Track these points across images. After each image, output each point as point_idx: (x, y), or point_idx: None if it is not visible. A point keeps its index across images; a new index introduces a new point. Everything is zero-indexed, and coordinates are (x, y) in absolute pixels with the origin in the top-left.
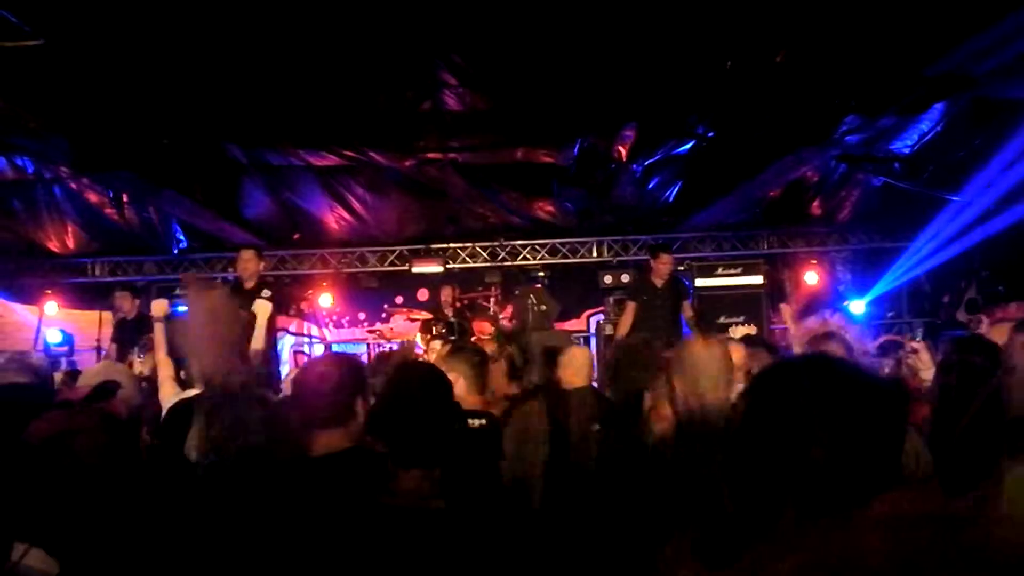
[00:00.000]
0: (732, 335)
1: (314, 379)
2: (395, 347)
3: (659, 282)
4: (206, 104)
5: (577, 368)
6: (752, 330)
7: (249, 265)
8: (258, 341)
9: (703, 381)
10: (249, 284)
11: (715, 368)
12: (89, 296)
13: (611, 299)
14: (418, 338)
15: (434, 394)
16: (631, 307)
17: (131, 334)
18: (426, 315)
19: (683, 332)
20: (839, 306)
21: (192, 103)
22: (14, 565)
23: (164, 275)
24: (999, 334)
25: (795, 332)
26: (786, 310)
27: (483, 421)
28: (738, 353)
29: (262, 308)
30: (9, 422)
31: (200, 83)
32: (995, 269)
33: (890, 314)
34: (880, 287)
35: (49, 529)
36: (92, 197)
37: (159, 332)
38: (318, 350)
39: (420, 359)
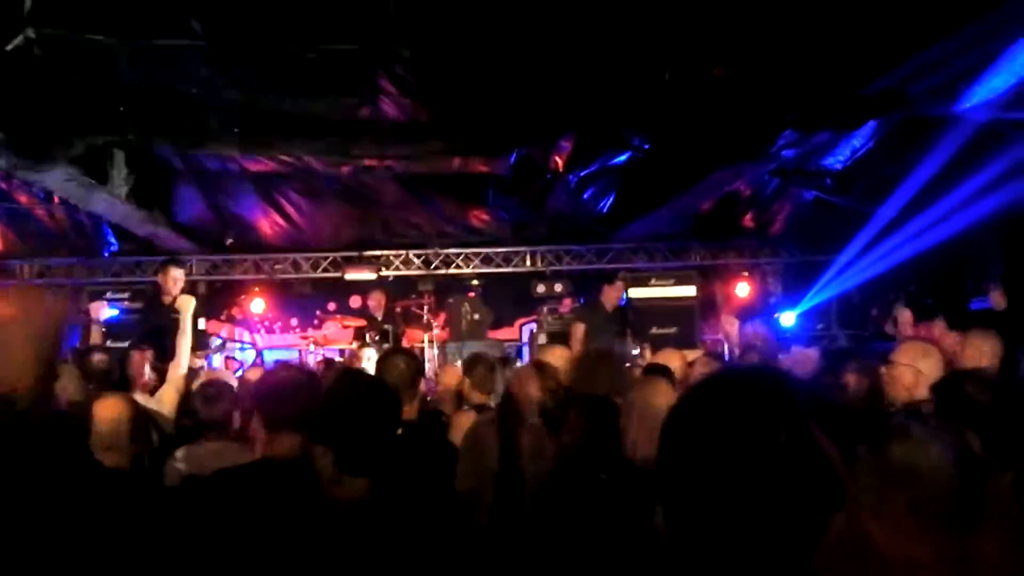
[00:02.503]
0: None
1: (283, 384)
2: (334, 355)
3: (609, 307)
4: (141, 105)
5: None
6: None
7: (178, 286)
8: (183, 335)
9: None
10: (168, 300)
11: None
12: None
13: (544, 308)
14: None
15: (380, 400)
16: (580, 328)
17: None
18: (359, 322)
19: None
20: (765, 319)
21: (127, 104)
22: None
23: (95, 278)
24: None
25: (734, 343)
26: (728, 321)
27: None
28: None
29: (186, 302)
30: None
31: (136, 84)
32: (923, 283)
33: (820, 326)
34: (810, 300)
35: None
36: (22, 198)
37: (95, 334)
38: (249, 356)
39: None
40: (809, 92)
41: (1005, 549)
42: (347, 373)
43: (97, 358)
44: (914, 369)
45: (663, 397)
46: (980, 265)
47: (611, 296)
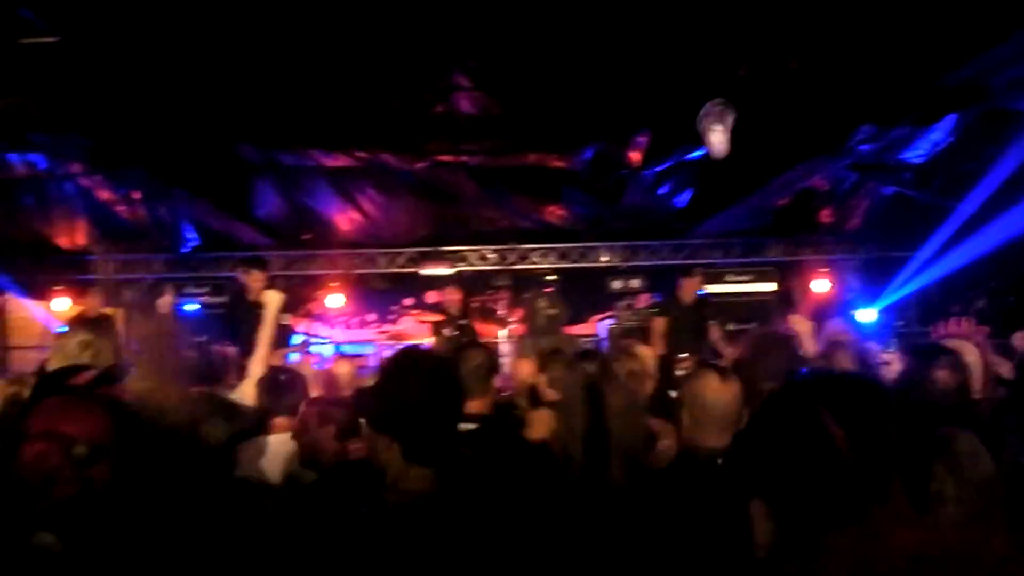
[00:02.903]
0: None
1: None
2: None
3: (687, 300)
4: (220, 104)
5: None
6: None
7: (260, 285)
8: (265, 330)
9: (709, 422)
10: (252, 297)
11: (724, 409)
12: (98, 293)
13: (620, 304)
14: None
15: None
16: (661, 323)
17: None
18: (435, 317)
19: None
20: (849, 315)
21: (207, 103)
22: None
23: (173, 273)
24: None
25: (808, 344)
26: (798, 322)
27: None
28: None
29: (272, 297)
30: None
31: (215, 83)
32: (1005, 280)
33: (899, 323)
34: (889, 296)
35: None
36: (104, 194)
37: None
38: (327, 351)
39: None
40: (887, 86)
41: None
42: (407, 356)
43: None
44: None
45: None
46: None
47: (689, 289)
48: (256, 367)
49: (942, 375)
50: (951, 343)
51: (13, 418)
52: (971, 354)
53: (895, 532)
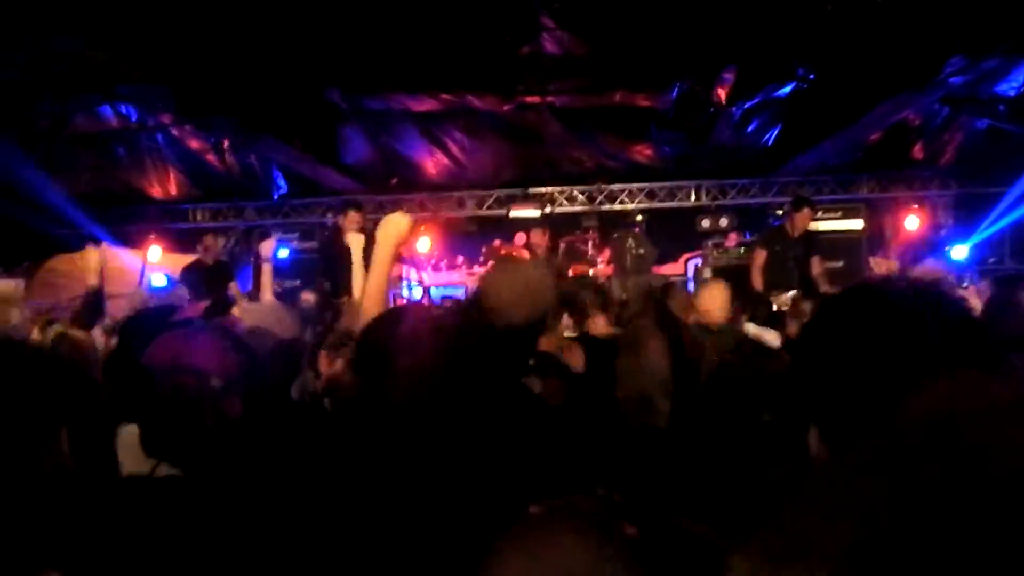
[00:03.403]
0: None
1: None
2: None
3: (796, 233)
4: (306, 50)
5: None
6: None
7: (356, 226)
8: (356, 271)
9: None
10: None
11: None
12: (191, 241)
13: (709, 243)
14: None
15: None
16: (761, 255)
17: (201, 279)
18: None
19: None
20: (943, 254)
21: (292, 50)
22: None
23: (264, 220)
24: None
25: None
26: (881, 264)
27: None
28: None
29: (355, 240)
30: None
31: (301, 28)
32: None
33: (992, 260)
34: (982, 233)
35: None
36: (194, 144)
37: (266, 273)
38: (417, 294)
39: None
40: (978, 15)
41: None
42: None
43: (304, 297)
44: None
45: None
46: None
47: (799, 222)
48: (348, 306)
49: None
50: None
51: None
52: None
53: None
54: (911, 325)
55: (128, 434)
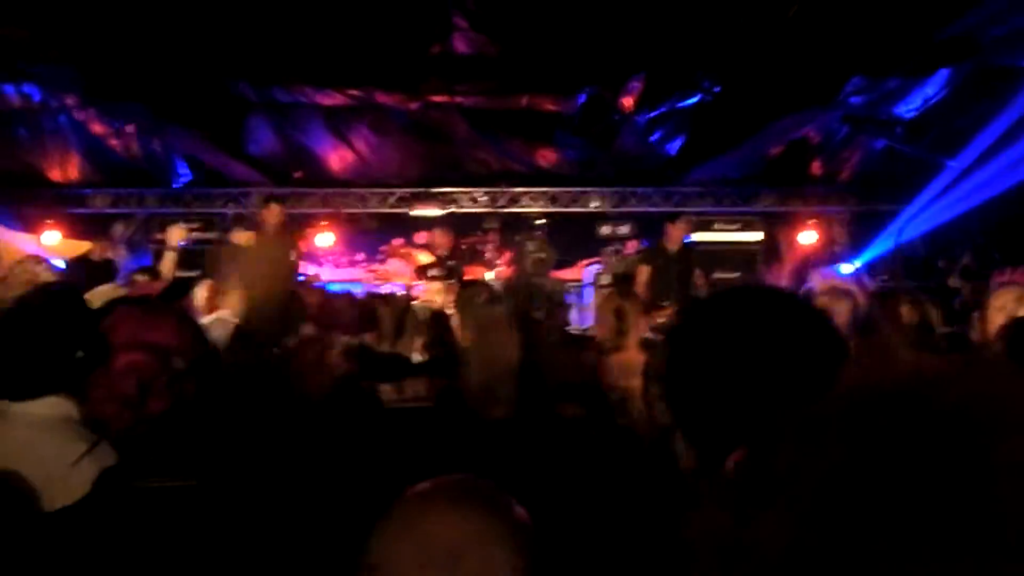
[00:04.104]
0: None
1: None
2: (399, 289)
3: (672, 247)
4: (216, 40)
5: None
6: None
7: (275, 219)
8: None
9: None
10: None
11: None
12: (89, 227)
13: (609, 249)
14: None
15: None
16: (645, 270)
17: (82, 275)
18: (424, 258)
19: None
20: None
21: (203, 38)
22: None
23: (165, 208)
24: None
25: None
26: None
27: None
28: None
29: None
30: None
31: (211, 19)
32: (991, 236)
33: (883, 277)
34: (875, 250)
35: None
36: (97, 128)
37: (169, 260)
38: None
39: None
40: (880, 38)
41: None
42: None
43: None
44: (1007, 314)
45: None
46: None
47: (675, 236)
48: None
49: (905, 311)
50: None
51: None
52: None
53: None
54: (771, 333)
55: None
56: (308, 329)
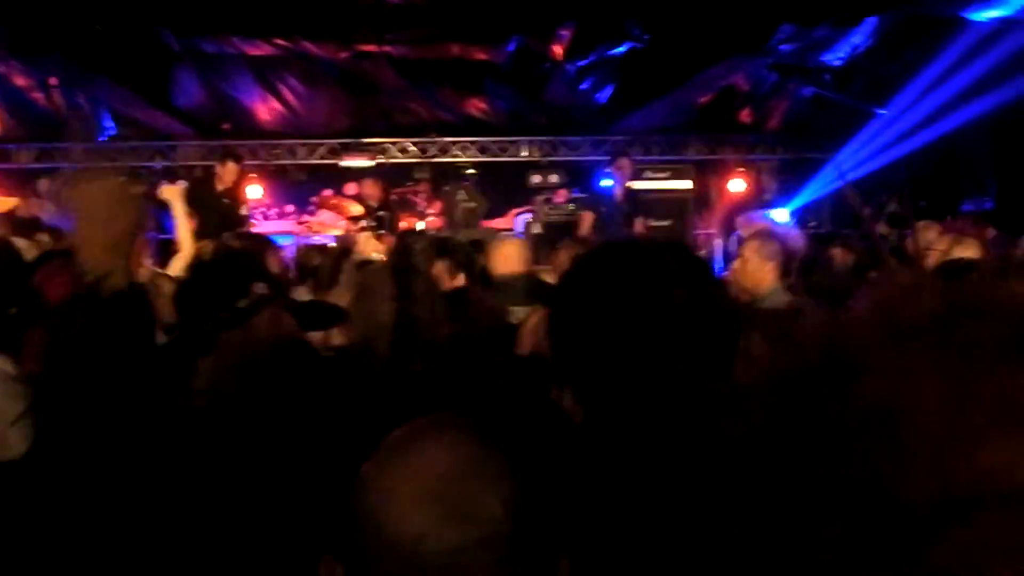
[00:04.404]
0: None
1: None
2: (328, 241)
3: (617, 188)
4: None
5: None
6: None
7: (231, 177)
8: (180, 223)
9: None
10: (221, 188)
11: None
12: (14, 182)
13: (539, 199)
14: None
15: None
16: (588, 217)
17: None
18: (355, 209)
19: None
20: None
21: None
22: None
23: (90, 162)
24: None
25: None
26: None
27: None
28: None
29: (171, 192)
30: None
31: None
32: (917, 183)
33: (812, 224)
34: (804, 197)
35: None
36: (20, 81)
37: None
38: None
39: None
40: None
41: None
42: None
43: None
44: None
45: None
46: (974, 167)
47: (626, 170)
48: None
49: (837, 253)
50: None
51: None
52: (971, 249)
53: None
54: (657, 285)
55: None
56: (260, 288)
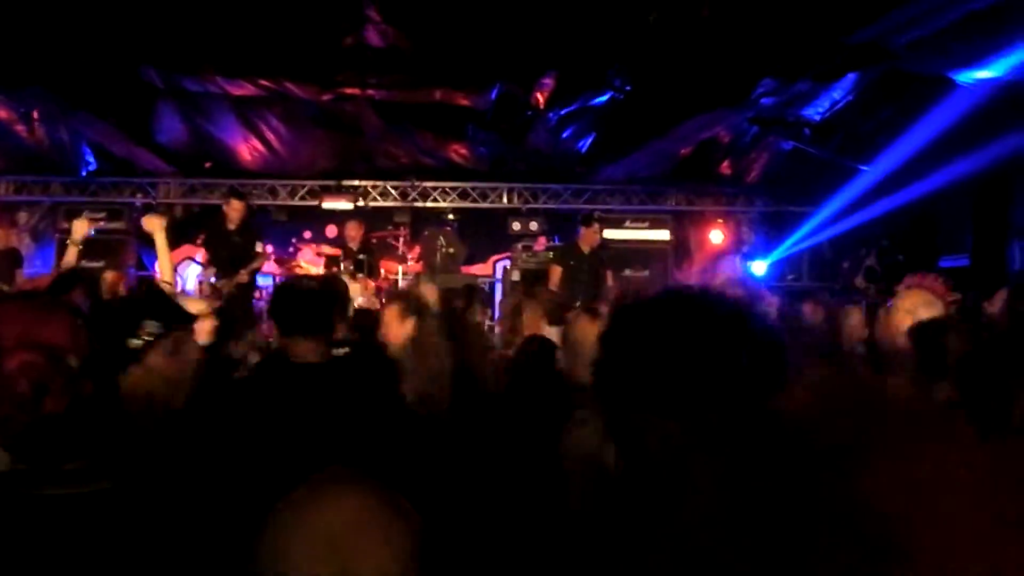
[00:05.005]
0: None
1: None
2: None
3: (586, 248)
4: (125, 25)
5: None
6: None
7: (239, 215)
8: (160, 255)
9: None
10: (231, 227)
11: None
12: None
13: (519, 246)
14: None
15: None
16: (557, 270)
17: None
18: (334, 251)
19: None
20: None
21: (111, 23)
22: None
23: (71, 196)
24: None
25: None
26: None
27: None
28: None
29: (152, 223)
30: None
31: (120, 3)
32: (895, 239)
33: (790, 277)
34: (782, 250)
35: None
36: (2, 113)
37: (71, 255)
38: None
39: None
40: (790, 41)
41: None
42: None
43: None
44: (914, 316)
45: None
46: (952, 224)
47: (589, 238)
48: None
49: (807, 309)
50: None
51: None
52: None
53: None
54: (719, 333)
55: None
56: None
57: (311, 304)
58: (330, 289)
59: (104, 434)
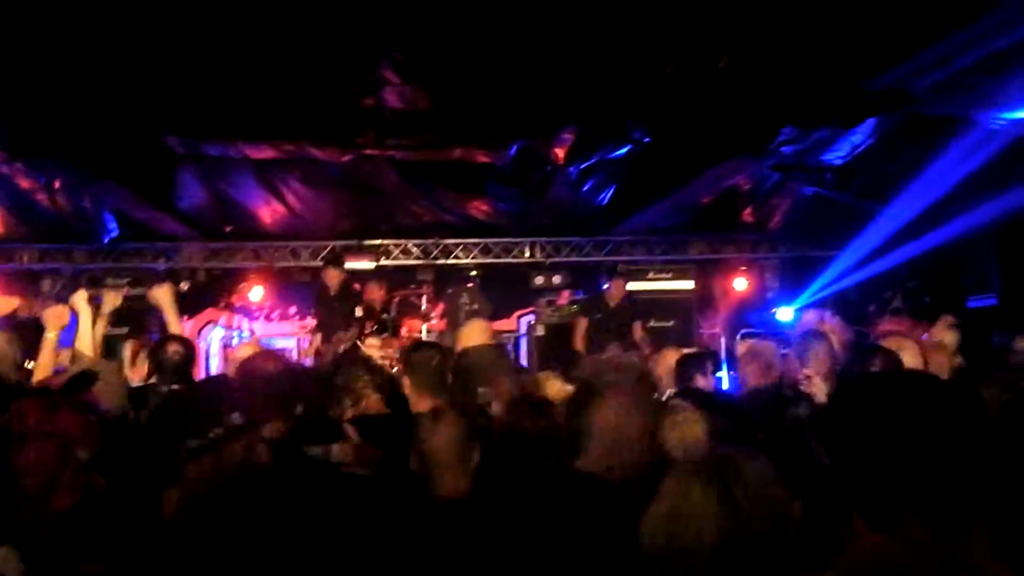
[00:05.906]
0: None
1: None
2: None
3: (613, 303)
4: (145, 93)
5: None
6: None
7: (335, 281)
8: (169, 324)
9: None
10: (332, 294)
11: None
12: (16, 282)
13: (542, 300)
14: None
15: None
16: (583, 323)
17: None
18: (358, 312)
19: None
20: (769, 316)
21: (131, 91)
22: None
23: (94, 263)
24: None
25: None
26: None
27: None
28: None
29: (161, 293)
30: None
31: (140, 71)
32: (922, 280)
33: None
34: (807, 295)
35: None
36: (24, 183)
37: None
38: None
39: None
40: (810, 88)
41: None
42: None
43: (172, 349)
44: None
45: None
46: (978, 264)
47: (616, 291)
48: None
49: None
50: (890, 341)
51: None
52: (909, 352)
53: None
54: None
55: None
56: (235, 418)
57: None
58: None
59: (127, 536)
